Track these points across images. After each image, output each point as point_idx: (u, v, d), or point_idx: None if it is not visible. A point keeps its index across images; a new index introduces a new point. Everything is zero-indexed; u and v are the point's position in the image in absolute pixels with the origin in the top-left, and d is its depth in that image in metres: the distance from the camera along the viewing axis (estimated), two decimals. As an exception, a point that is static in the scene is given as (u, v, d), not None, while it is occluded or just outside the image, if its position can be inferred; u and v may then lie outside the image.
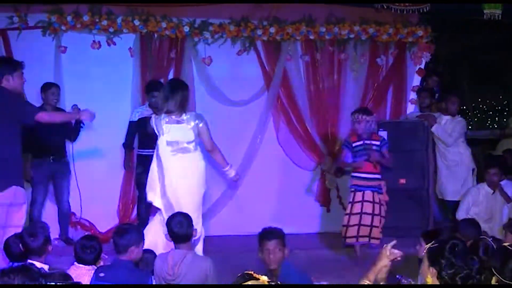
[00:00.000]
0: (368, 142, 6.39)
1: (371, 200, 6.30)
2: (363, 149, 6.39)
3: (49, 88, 6.47)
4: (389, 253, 3.16)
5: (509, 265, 2.90)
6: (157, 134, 5.29)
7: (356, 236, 6.29)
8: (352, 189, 6.41)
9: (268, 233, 4.24)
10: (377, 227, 6.29)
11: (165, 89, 5.32)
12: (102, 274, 3.88)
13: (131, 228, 4.23)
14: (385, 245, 3.22)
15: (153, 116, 5.39)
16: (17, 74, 5.00)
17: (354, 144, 6.44)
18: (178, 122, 5.21)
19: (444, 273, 2.73)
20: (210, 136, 5.30)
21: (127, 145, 6.86)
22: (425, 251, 2.92)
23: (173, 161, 5.22)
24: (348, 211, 6.42)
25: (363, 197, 6.30)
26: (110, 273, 3.87)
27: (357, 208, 6.31)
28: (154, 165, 5.32)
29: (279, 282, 2.50)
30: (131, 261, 4.02)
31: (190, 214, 4.56)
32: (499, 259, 2.97)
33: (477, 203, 6.42)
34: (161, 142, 5.26)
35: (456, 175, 7.17)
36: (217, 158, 5.41)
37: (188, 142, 5.21)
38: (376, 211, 6.30)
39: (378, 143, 6.42)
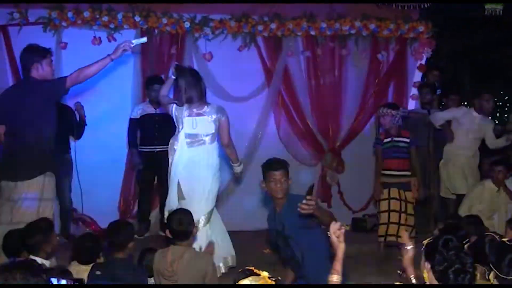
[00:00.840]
0: (396, 139, 6.29)
1: (397, 197, 6.19)
2: (391, 146, 6.31)
3: None
4: (334, 234, 3.14)
5: (506, 260, 2.90)
6: (176, 125, 5.29)
7: (385, 235, 6.17)
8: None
9: (275, 164, 4.39)
10: (404, 225, 6.13)
11: (187, 76, 5.21)
12: (98, 272, 3.85)
13: (124, 224, 4.21)
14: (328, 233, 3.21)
15: (174, 105, 5.29)
16: (47, 62, 4.84)
17: (384, 141, 6.34)
18: (199, 115, 5.20)
19: (437, 267, 2.73)
20: (229, 131, 5.32)
21: (133, 143, 6.81)
22: (423, 246, 2.93)
23: (187, 152, 5.23)
24: (377, 209, 6.40)
25: (389, 194, 6.20)
26: (106, 271, 3.85)
27: (384, 205, 6.22)
28: (172, 169, 5.29)
29: (279, 278, 2.49)
30: (127, 258, 4.01)
31: (198, 205, 4.58)
32: (495, 254, 2.97)
33: (481, 199, 6.35)
34: (181, 136, 5.25)
35: (465, 173, 7.12)
36: (231, 153, 5.46)
37: (207, 135, 5.22)
38: (403, 209, 6.17)
39: (407, 140, 6.28)
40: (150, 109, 6.69)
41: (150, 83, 6.70)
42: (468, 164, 7.11)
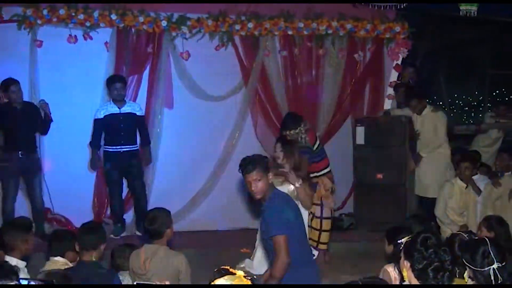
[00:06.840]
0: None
1: None
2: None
3: (11, 85, 6.31)
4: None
5: (479, 252, 2.93)
6: None
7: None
8: None
9: (242, 166, 3.99)
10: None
11: None
12: None
13: (97, 226, 4.16)
14: None
15: None
16: None
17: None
18: None
19: (416, 265, 2.75)
20: None
21: (95, 144, 6.71)
22: (402, 245, 2.95)
23: None
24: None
25: None
26: (76, 274, 3.79)
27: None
28: None
29: (255, 276, 2.50)
30: (94, 261, 3.96)
31: None
32: (468, 251, 3.00)
33: (451, 195, 6.43)
34: None
35: (436, 173, 7.17)
36: None
37: None
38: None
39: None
40: (114, 109, 6.60)
41: (112, 81, 6.60)
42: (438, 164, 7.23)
